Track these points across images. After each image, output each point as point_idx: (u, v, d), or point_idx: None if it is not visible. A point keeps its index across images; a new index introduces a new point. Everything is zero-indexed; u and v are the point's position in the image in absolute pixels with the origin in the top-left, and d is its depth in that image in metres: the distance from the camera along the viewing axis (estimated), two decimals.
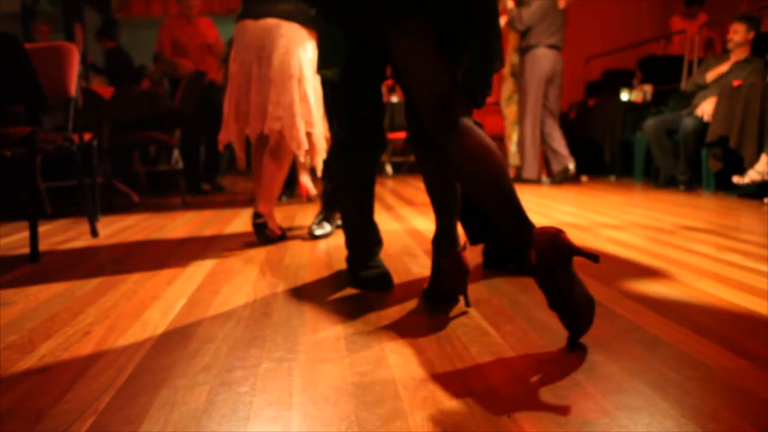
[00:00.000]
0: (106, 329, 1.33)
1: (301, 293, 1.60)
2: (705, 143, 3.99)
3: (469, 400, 0.93)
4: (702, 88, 4.34)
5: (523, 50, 4.78)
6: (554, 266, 1.10)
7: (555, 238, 1.10)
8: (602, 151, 5.47)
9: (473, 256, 1.96)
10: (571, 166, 4.84)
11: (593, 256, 1.09)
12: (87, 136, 3.28)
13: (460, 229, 2.35)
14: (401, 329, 1.28)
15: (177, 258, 2.11)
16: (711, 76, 4.28)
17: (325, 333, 1.27)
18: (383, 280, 1.63)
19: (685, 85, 4.85)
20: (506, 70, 4.95)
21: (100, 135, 3.62)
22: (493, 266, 1.83)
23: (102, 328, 1.33)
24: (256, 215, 2.35)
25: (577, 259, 1.86)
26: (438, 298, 1.49)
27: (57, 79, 2.53)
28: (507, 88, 5.01)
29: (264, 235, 2.37)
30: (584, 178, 5.36)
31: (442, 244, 1.51)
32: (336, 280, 1.73)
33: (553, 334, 1.23)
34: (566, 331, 1.20)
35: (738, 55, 4.18)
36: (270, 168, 2.42)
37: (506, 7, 4.69)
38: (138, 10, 7.88)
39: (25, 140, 2.17)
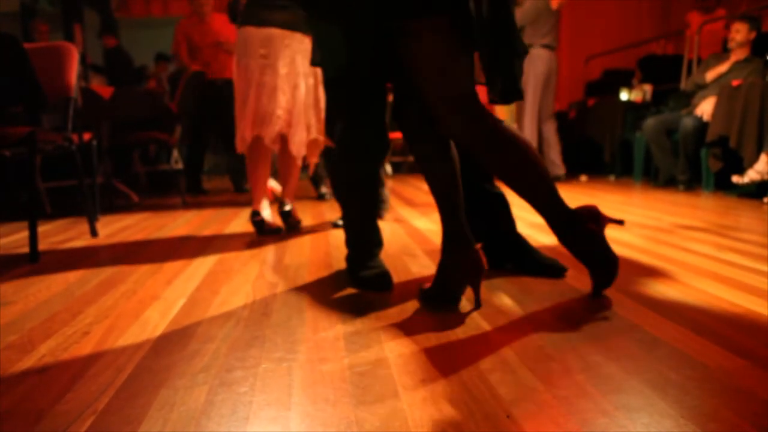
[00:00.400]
0: (105, 329, 1.33)
1: (301, 293, 1.60)
2: (704, 143, 4.00)
3: (469, 400, 0.93)
4: (701, 88, 4.34)
5: None
6: (597, 232, 1.43)
7: (595, 210, 1.45)
8: (602, 151, 5.47)
9: None
10: (561, 173, 4.93)
11: (620, 221, 1.48)
12: (86, 136, 3.28)
13: None
14: (401, 329, 1.28)
15: (177, 258, 2.11)
16: (711, 75, 4.28)
17: (324, 333, 1.27)
18: (383, 280, 1.62)
19: (684, 84, 4.86)
20: None
21: (99, 135, 3.62)
22: (493, 266, 1.82)
23: (101, 328, 1.33)
24: (254, 213, 2.47)
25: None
26: (440, 300, 1.48)
27: (56, 79, 2.53)
28: None
29: (264, 231, 2.51)
30: (584, 178, 5.36)
31: (452, 244, 1.48)
32: (336, 280, 1.73)
33: (552, 334, 1.23)
34: (564, 332, 1.21)
35: (738, 54, 4.19)
36: (285, 168, 2.70)
37: None
38: (138, 10, 7.87)
39: (24, 140, 2.17)
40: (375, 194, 1.72)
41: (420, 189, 4.58)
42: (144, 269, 1.94)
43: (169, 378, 1.04)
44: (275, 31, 2.41)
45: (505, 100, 1.39)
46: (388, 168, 6.38)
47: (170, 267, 1.96)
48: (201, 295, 1.61)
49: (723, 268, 1.77)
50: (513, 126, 5.00)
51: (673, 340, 1.18)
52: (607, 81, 6.29)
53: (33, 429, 0.87)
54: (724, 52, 4.48)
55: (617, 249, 2.08)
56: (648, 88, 5.35)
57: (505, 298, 1.50)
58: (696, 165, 4.21)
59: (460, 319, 1.34)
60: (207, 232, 2.69)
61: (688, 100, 4.52)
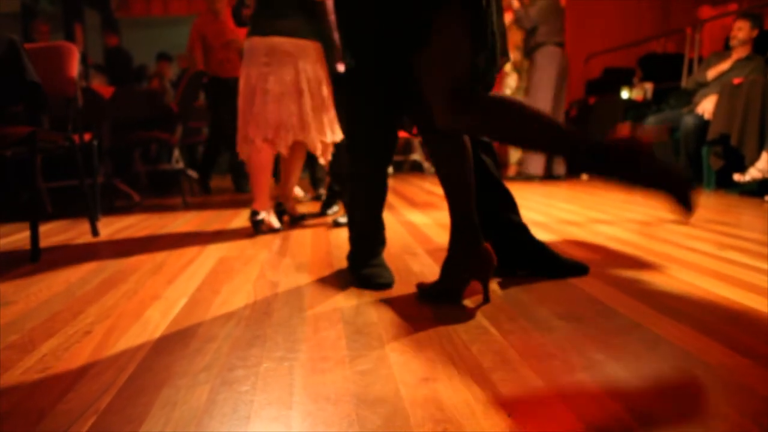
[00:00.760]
0: (106, 329, 1.33)
1: (302, 292, 1.60)
2: (706, 141, 3.99)
3: (470, 398, 0.93)
4: (703, 86, 4.34)
5: (532, 49, 4.81)
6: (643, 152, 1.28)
7: (633, 137, 1.31)
8: None
9: None
10: (562, 172, 4.98)
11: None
12: (87, 136, 3.28)
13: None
14: (402, 328, 1.28)
15: (178, 257, 2.11)
16: (712, 74, 4.27)
17: (325, 332, 1.27)
18: (384, 279, 1.63)
19: (685, 83, 4.85)
20: (508, 66, 4.99)
21: (100, 134, 3.62)
22: (508, 273, 1.79)
23: (103, 328, 1.33)
24: (253, 213, 2.54)
25: (580, 255, 1.87)
26: (441, 296, 1.48)
27: (57, 79, 2.53)
28: (512, 82, 5.04)
29: (261, 231, 2.59)
30: (585, 177, 5.35)
31: (461, 241, 1.46)
32: (337, 280, 1.73)
33: (553, 332, 1.23)
34: (565, 330, 1.21)
35: (740, 52, 4.17)
36: (286, 171, 2.83)
37: (511, 5, 4.71)
38: (138, 9, 7.87)
39: (25, 140, 2.18)
40: (382, 192, 1.72)
41: (421, 188, 4.58)
42: (145, 269, 1.94)
43: (171, 377, 1.04)
44: (277, 40, 2.48)
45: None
46: (389, 167, 6.38)
47: (171, 266, 1.96)
48: (202, 294, 1.61)
49: (724, 266, 1.77)
50: None
51: (674, 338, 1.18)
52: (607, 79, 6.28)
53: (35, 428, 0.87)
54: (726, 50, 4.47)
55: (618, 247, 2.08)
56: (649, 86, 5.35)
57: (505, 297, 1.50)
58: (697, 163, 4.20)
59: (462, 317, 1.34)
60: (208, 231, 2.70)
61: (689, 98, 4.51)
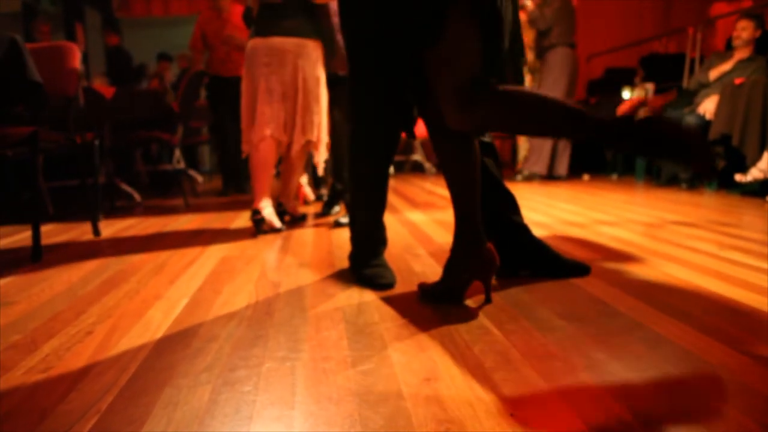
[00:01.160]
0: (108, 329, 1.33)
1: (304, 292, 1.60)
2: (707, 141, 3.98)
3: (472, 398, 0.93)
4: (705, 87, 4.33)
5: (545, 49, 4.81)
6: (645, 119, 1.24)
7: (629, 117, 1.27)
8: (604, 150, 5.46)
9: None
10: (563, 173, 4.99)
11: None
12: (89, 136, 3.28)
13: None
14: (404, 328, 1.28)
15: (179, 257, 2.11)
16: (714, 74, 4.26)
17: (327, 332, 1.27)
18: (386, 279, 1.63)
19: (687, 83, 4.84)
20: None
21: (101, 134, 3.62)
22: (509, 274, 1.78)
23: (104, 328, 1.33)
24: (254, 212, 2.54)
25: (581, 255, 1.87)
26: (442, 296, 1.48)
27: (58, 79, 2.53)
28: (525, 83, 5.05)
29: (263, 230, 2.59)
30: (586, 177, 5.35)
31: (464, 241, 1.46)
32: (338, 280, 1.73)
33: (555, 332, 1.23)
34: (567, 330, 1.21)
35: (742, 53, 4.17)
36: (288, 170, 2.85)
37: (525, 5, 4.71)
38: (139, 9, 7.87)
39: (26, 140, 2.18)
40: (383, 193, 1.72)
41: (422, 188, 4.58)
42: (147, 269, 1.94)
43: (173, 377, 1.04)
44: (278, 40, 2.51)
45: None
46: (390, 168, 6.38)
47: (173, 267, 1.96)
48: (204, 294, 1.61)
49: (726, 267, 1.77)
50: None
51: (676, 338, 1.18)
52: (609, 80, 6.28)
53: (36, 428, 0.87)
54: (727, 50, 4.47)
55: (620, 247, 2.08)
56: (650, 86, 5.34)
57: (508, 297, 1.50)
58: None
59: (464, 317, 1.34)
60: (209, 231, 2.70)
61: (690, 98, 4.51)
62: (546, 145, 4.89)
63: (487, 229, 1.58)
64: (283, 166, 2.87)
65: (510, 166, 6.38)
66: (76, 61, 2.58)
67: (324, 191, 3.85)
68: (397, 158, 6.69)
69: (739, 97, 3.66)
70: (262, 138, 2.55)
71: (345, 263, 1.92)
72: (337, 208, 3.18)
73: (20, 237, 2.66)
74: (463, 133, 1.44)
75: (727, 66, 4.21)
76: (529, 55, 4.94)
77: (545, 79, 4.83)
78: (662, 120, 1.24)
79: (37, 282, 1.80)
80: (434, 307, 1.44)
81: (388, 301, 1.50)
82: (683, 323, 1.27)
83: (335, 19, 2.80)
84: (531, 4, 4.75)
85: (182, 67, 6.55)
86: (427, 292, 1.52)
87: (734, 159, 3.79)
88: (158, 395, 0.97)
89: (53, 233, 2.76)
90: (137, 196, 4.16)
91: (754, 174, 3.43)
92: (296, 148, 2.60)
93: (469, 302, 1.46)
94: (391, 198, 3.89)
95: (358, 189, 1.73)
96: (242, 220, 3.04)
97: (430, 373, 1.04)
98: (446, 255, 1.53)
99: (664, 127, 1.23)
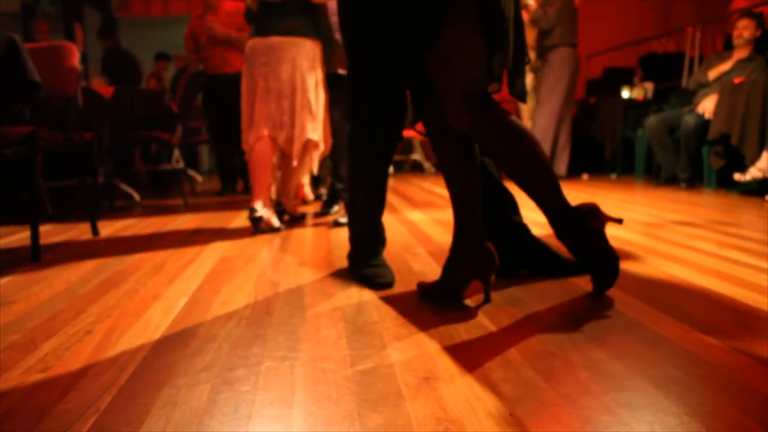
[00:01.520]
0: (107, 328, 1.33)
1: (302, 292, 1.60)
2: (706, 141, 3.99)
3: (472, 397, 0.93)
4: (704, 86, 4.33)
5: (547, 49, 4.80)
6: (599, 230, 1.42)
7: (596, 208, 1.43)
8: (603, 149, 5.47)
9: None
10: (563, 173, 4.99)
11: (619, 220, 1.45)
12: (87, 136, 3.27)
13: None
14: (403, 327, 1.28)
15: (178, 257, 2.11)
16: (713, 74, 4.26)
17: (326, 331, 1.27)
18: (385, 278, 1.62)
19: (686, 82, 4.84)
20: None
21: (100, 134, 3.62)
22: (508, 274, 1.78)
23: (103, 328, 1.33)
24: (252, 210, 2.54)
25: None
26: (441, 295, 1.48)
27: (57, 79, 2.52)
28: (527, 82, 5.03)
29: (261, 229, 2.59)
30: (585, 176, 5.35)
31: (463, 241, 1.47)
32: (337, 279, 1.73)
33: (554, 331, 1.23)
34: (566, 330, 1.21)
35: (741, 52, 4.17)
36: (286, 169, 2.84)
37: (527, 5, 4.70)
38: (138, 9, 7.87)
39: (25, 139, 2.17)
40: (382, 193, 1.72)
41: (421, 188, 4.58)
42: (146, 268, 1.94)
43: (172, 377, 1.04)
44: (276, 39, 2.53)
45: (522, 100, 1.42)
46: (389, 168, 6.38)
47: (172, 266, 1.96)
48: (202, 294, 1.61)
49: (725, 266, 1.77)
50: (528, 123, 5.04)
51: (676, 337, 1.17)
52: (608, 79, 6.28)
53: (35, 428, 0.87)
54: (726, 50, 4.47)
55: (618, 246, 2.08)
56: (649, 86, 5.35)
57: (507, 297, 1.50)
58: (698, 163, 4.20)
59: (463, 317, 1.34)
60: (208, 231, 2.69)
61: (689, 97, 4.51)
62: (545, 144, 4.89)
63: (486, 228, 1.58)
64: (283, 165, 2.87)
65: None
66: (75, 61, 2.58)
67: (323, 191, 3.85)
68: (397, 158, 6.69)
69: (739, 96, 3.66)
70: (259, 137, 2.56)
71: (344, 263, 1.92)
72: (336, 208, 3.18)
73: (19, 237, 2.66)
74: (462, 133, 1.44)
75: (726, 65, 4.21)
76: (531, 55, 4.94)
77: (546, 79, 4.82)
78: (605, 239, 1.43)
79: (36, 282, 1.80)
80: (433, 306, 1.43)
81: (387, 300, 1.49)
82: (682, 322, 1.27)
83: (334, 19, 2.80)
84: (533, 4, 4.74)
85: (179, 66, 6.54)
86: (426, 291, 1.52)
87: (733, 158, 3.79)
88: (157, 395, 0.97)
89: (52, 233, 2.76)
90: (136, 196, 4.16)
91: (753, 173, 3.43)
92: (296, 147, 2.60)
93: (469, 301, 1.46)
94: (390, 197, 3.89)
95: (358, 189, 1.73)
96: (241, 219, 3.04)
97: (429, 372, 1.04)
98: (445, 254, 1.53)
99: (602, 244, 1.42)
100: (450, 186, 1.49)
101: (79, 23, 6.56)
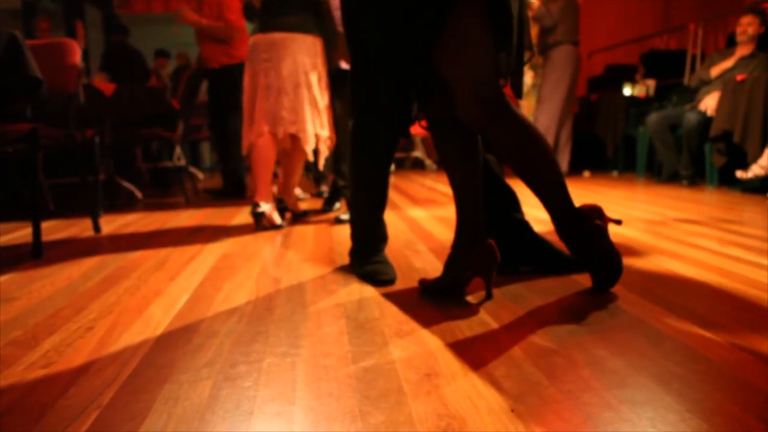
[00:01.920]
0: (109, 325, 1.33)
1: (304, 288, 1.60)
2: (708, 138, 3.98)
3: (473, 394, 0.93)
4: (706, 83, 4.32)
5: (549, 46, 4.79)
6: (602, 228, 1.44)
7: (599, 209, 1.46)
8: (604, 147, 5.46)
9: None
10: (564, 170, 4.97)
11: (618, 221, 1.49)
12: (89, 133, 3.27)
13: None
14: (404, 324, 1.28)
15: (180, 254, 2.11)
16: (715, 71, 4.25)
17: (328, 328, 1.27)
18: (387, 275, 1.62)
19: (688, 80, 4.83)
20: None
21: (102, 131, 3.62)
22: (510, 272, 1.77)
23: (105, 324, 1.33)
24: (255, 205, 2.55)
25: None
26: (443, 292, 1.48)
27: (58, 76, 2.52)
28: (528, 79, 5.01)
29: (262, 226, 2.60)
30: (587, 174, 5.35)
31: (465, 238, 1.47)
32: (339, 276, 1.73)
33: (556, 328, 1.23)
34: (568, 326, 1.21)
35: (743, 50, 4.16)
36: (287, 166, 2.86)
37: (530, 2, 4.69)
38: (139, 6, 7.86)
39: (26, 137, 2.17)
40: (384, 190, 1.72)
41: (423, 185, 4.58)
42: (147, 265, 1.94)
43: (173, 373, 1.04)
44: (277, 35, 2.53)
45: (518, 96, 1.42)
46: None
47: (173, 263, 1.96)
48: (204, 290, 1.61)
49: (727, 263, 1.77)
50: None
51: (677, 334, 1.17)
52: (609, 76, 6.28)
53: (37, 424, 0.87)
54: (728, 48, 4.46)
55: (620, 244, 2.07)
56: (651, 83, 5.33)
57: (509, 293, 1.50)
58: (699, 160, 4.20)
59: (465, 313, 1.34)
60: (210, 228, 2.70)
61: (691, 95, 4.50)
62: (562, 145, 4.88)
63: (488, 225, 1.58)
64: (284, 162, 2.86)
65: None
66: (77, 58, 2.58)
67: (324, 188, 3.85)
68: (398, 155, 6.69)
69: (741, 93, 3.65)
70: (260, 134, 2.56)
71: (346, 259, 1.92)
72: (338, 205, 3.18)
73: (21, 233, 2.66)
74: (466, 130, 1.44)
75: (728, 63, 4.20)
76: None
77: (548, 77, 4.81)
78: (608, 238, 1.44)
79: (37, 278, 1.80)
80: (435, 303, 1.43)
81: (388, 297, 1.49)
82: (684, 319, 1.26)
83: (337, 13, 2.79)
84: (536, 1, 4.72)
85: (180, 63, 6.53)
86: (427, 288, 1.52)
87: (735, 155, 3.79)
88: (159, 391, 0.97)
89: (54, 230, 2.76)
90: (138, 193, 4.16)
91: (755, 170, 3.42)
92: (300, 143, 2.60)
93: (470, 298, 1.46)
94: (392, 194, 3.88)
95: (359, 186, 1.73)
96: (243, 216, 3.04)
97: (430, 368, 1.04)
98: (447, 251, 1.53)
99: (605, 243, 1.44)
100: (452, 183, 1.49)
101: (80, 20, 6.56)
